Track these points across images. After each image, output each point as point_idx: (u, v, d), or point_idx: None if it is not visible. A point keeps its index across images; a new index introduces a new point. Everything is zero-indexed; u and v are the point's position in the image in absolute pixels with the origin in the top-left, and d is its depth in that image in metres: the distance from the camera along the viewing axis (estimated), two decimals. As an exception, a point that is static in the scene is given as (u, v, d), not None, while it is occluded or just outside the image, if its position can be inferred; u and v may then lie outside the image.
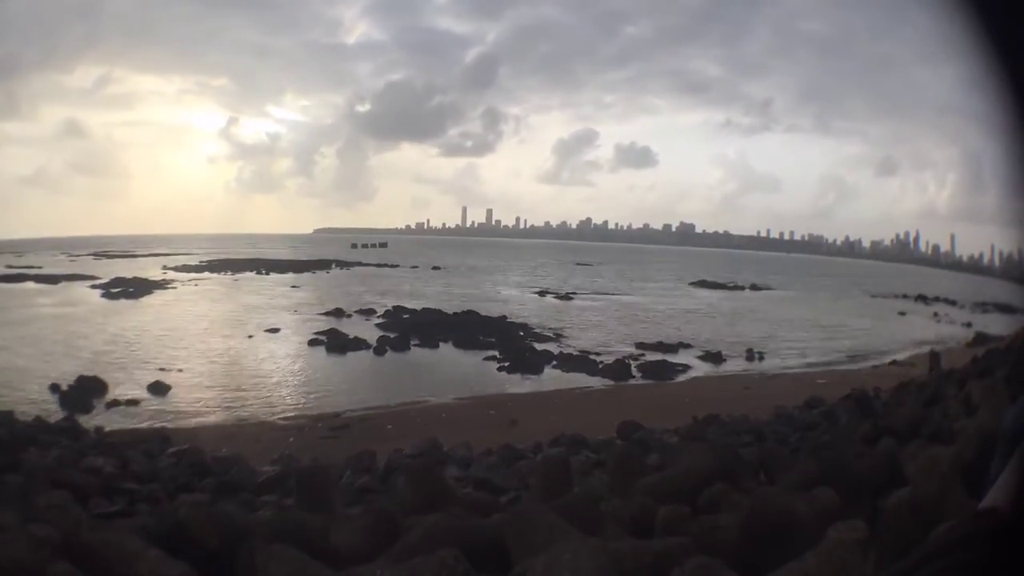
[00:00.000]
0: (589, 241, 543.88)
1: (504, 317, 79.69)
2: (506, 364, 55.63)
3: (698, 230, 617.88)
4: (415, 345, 63.10)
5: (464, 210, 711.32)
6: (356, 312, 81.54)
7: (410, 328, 69.43)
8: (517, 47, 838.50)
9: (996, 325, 74.89)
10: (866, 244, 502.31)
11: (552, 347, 64.39)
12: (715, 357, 61.54)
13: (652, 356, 60.87)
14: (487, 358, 57.74)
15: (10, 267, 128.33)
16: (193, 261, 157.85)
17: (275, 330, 69.30)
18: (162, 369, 49.92)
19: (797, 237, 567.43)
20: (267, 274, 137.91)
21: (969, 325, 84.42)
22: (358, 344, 61.85)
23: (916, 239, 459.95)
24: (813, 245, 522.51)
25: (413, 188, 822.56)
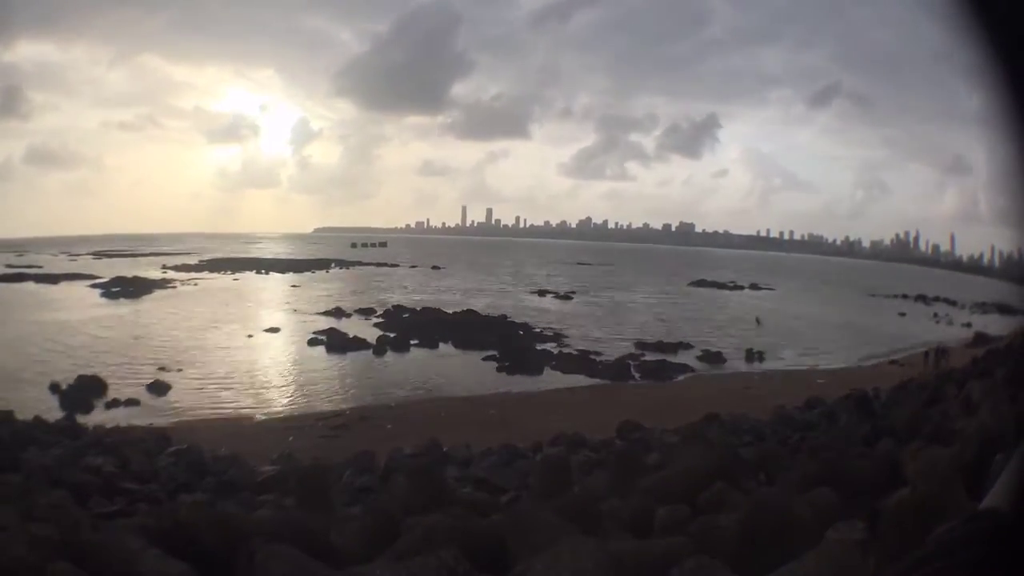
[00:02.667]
0: (589, 240, 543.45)
1: (504, 317, 79.87)
2: (506, 364, 55.60)
3: (697, 230, 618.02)
4: (414, 345, 63.04)
5: (464, 209, 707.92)
6: (356, 312, 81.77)
7: (410, 328, 69.48)
8: (588, 42, 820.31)
9: (996, 325, 74.86)
10: (866, 244, 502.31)
11: (552, 347, 64.55)
12: (715, 357, 61.55)
13: (652, 356, 60.92)
14: (487, 358, 57.69)
15: (10, 266, 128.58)
16: (193, 260, 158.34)
17: (275, 330, 69.41)
18: (162, 369, 49.90)
19: (797, 237, 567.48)
20: (267, 273, 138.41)
21: (969, 325, 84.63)
22: (358, 344, 61.81)
23: (916, 239, 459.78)
24: (813, 245, 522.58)
25: (419, 181, 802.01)
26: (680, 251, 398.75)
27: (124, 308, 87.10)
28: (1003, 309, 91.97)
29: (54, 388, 43.56)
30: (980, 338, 66.30)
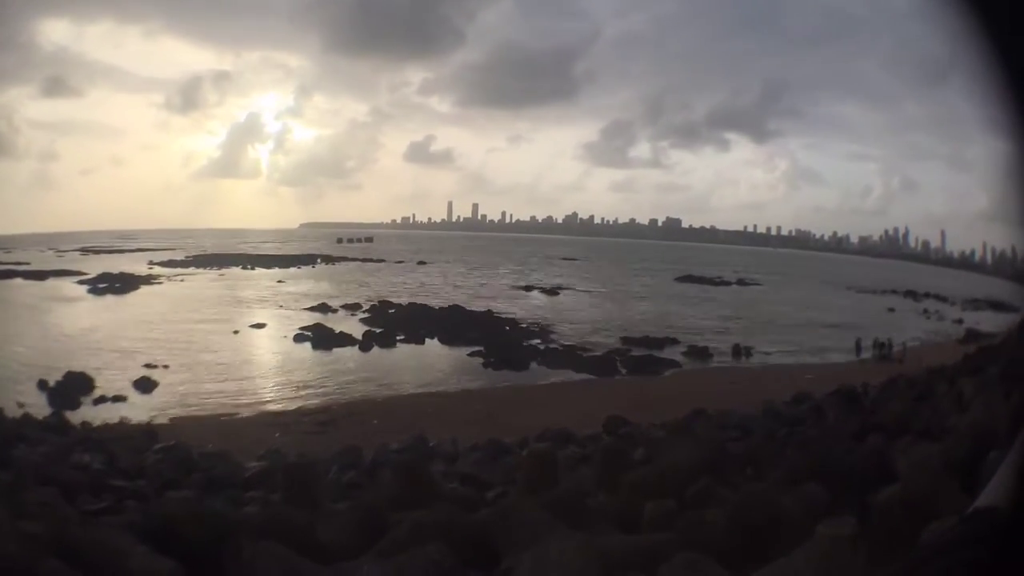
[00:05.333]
0: (576, 235, 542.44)
1: (490, 312, 79.71)
2: (492, 360, 55.54)
3: (684, 225, 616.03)
4: (400, 341, 63.00)
5: (450, 204, 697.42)
6: (342, 307, 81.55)
7: (396, 323, 69.46)
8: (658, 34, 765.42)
9: (988, 322, 75.01)
10: (854, 240, 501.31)
11: (538, 342, 64.61)
12: (701, 352, 61.67)
13: (638, 351, 60.92)
14: (473, 353, 57.68)
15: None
16: (179, 256, 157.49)
17: (261, 325, 69.37)
18: (148, 365, 49.77)
19: (785, 232, 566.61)
20: (252, 269, 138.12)
21: (960, 322, 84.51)
22: (344, 340, 61.82)
23: (905, 235, 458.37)
24: (800, 240, 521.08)
25: (413, 171, 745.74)
26: (667, 246, 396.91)
27: (111, 304, 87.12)
28: (995, 306, 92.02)
29: (42, 385, 43.48)
30: (971, 334, 66.39)
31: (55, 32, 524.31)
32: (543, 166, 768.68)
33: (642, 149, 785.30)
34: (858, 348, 59.52)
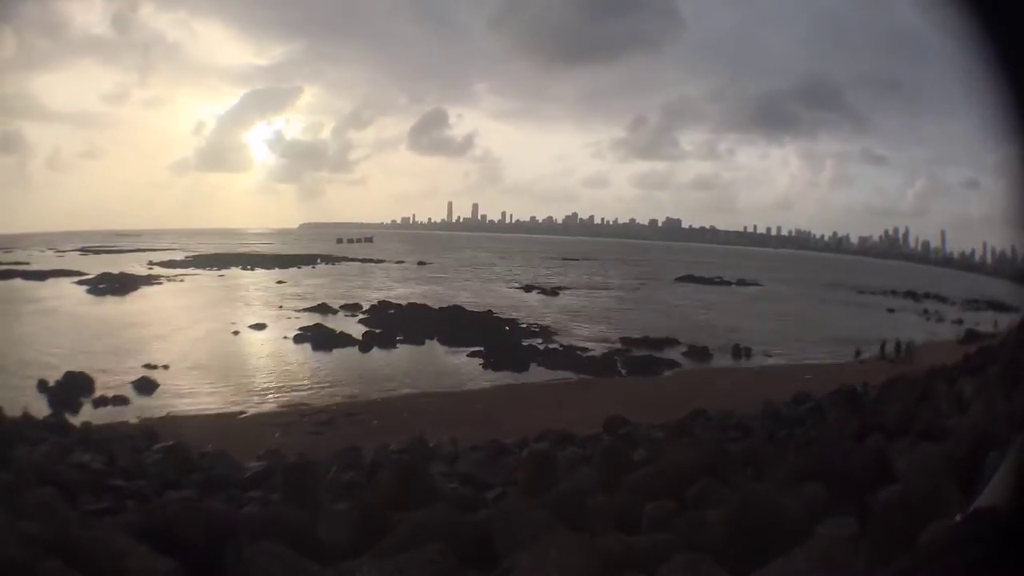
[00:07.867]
0: (575, 235, 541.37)
1: (490, 312, 79.60)
2: (492, 360, 55.48)
3: (684, 225, 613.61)
4: (400, 341, 62.88)
5: (450, 204, 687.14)
6: (341, 308, 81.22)
7: (395, 324, 69.34)
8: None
9: (988, 322, 74.87)
10: (854, 240, 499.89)
11: (538, 343, 64.57)
12: (701, 352, 61.55)
13: (638, 351, 60.90)
14: (472, 354, 57.62)
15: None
16: (179, 256, 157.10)
17: (261, 326, 69.21)
18: (148, 365, 49.71)
19: (784, 233, 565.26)
20: (252, 269, 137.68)
21: (960, 322, 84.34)
22: (344, 340, 61.71)
23: (906, 235, 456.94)
24: (800, 241, 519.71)
25: (422, 162, 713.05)
26: (667, 246, 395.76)
27: (111, 305, 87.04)
28: (995, 306, 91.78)
29: (42, 385, 43.47)
30: (971, 335, 66.30)
31: (87, 13, 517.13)
32: (569, 156, 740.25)
33: (696, 136, 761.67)
34: (898, 348, 59.65)
